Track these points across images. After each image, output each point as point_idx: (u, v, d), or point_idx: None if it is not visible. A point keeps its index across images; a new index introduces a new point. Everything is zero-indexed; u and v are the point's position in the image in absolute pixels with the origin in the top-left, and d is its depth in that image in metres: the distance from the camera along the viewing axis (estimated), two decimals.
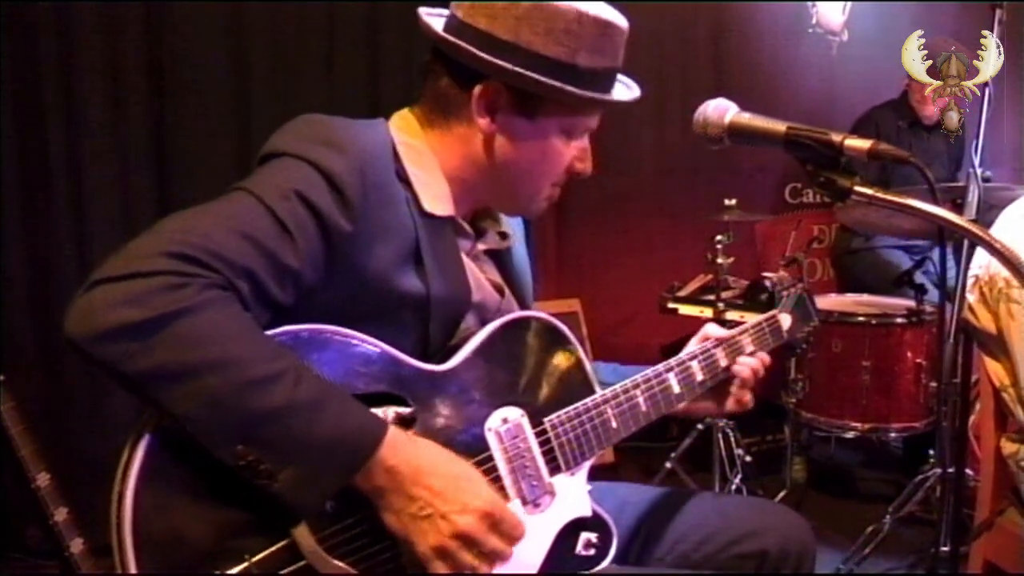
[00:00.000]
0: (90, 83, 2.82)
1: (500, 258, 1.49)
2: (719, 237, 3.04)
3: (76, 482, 2.17)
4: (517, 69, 1.24)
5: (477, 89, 1.28)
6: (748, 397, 1.56)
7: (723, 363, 1.55)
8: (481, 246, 1.44)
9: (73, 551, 2.08)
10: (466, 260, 1.37)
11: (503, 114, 1.30)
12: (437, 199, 1.31)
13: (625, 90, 1.40)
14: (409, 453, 1.12)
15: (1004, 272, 1.92)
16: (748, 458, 3.20)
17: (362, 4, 3.23)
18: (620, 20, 1.32)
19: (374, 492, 1.11)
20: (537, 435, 1.32)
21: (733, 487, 3.12)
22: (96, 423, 2.81)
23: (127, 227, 2.85)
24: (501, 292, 1.44)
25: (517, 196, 1.40)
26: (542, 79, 1.25)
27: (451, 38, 1.28)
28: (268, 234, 1.13)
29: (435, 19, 1.35)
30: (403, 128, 1.34)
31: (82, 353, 1.02)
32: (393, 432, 1.12)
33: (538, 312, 1.43)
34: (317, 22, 3.18)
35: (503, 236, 1.47)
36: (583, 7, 1.26)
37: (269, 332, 1.13)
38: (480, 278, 1.39)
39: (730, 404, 1.56)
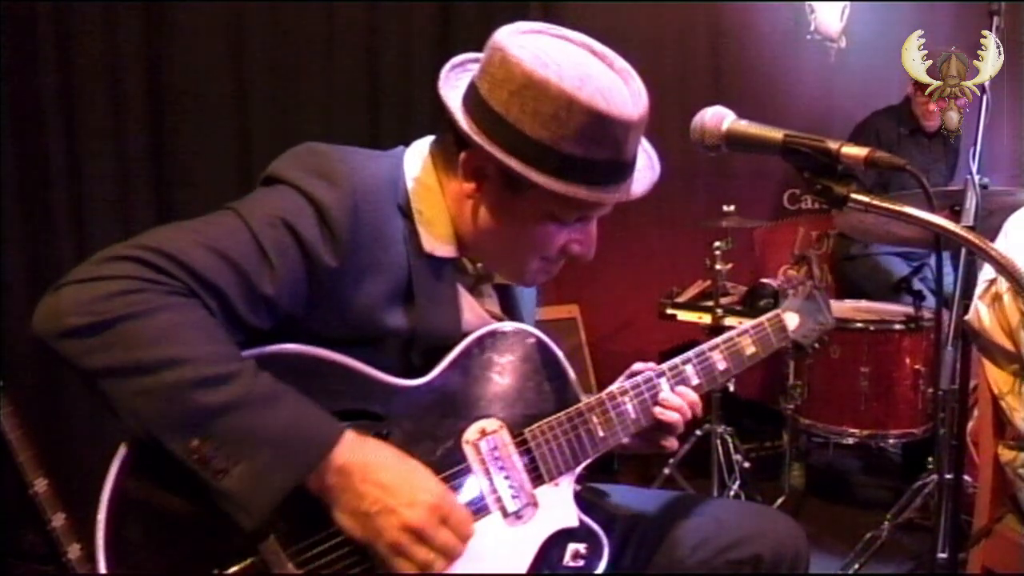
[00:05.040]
0: (90, 86, 2.83)
1: (505, 290, 1.47)
2: (718, 243, 3.04)
3: (74, 488, 2.17)
4: (489, 149, 1.21)
5: (463, 155, 1.27)
6: (673, 443, 1.47)
7: (721, 366, 1.52)
8: (486, 283, 1.42)
9: (71, 556, 2.08)
10: (465, 294, 1.36)
11: (489, 183, 1.27)
12: (439, 239, 1.30)
13: (645, 175, 1.32)
14: (360, 452, 1.12)
15: None
16: (746, 464, 3.20)
17: (361, 8, 3.24)
18: (624, 111, 1.21)
19: (325, 492, 1.11)
20: (517, 446, 1.31)
21: (731, 493, 3.11)
22: (94, 429, 2.80)
23: (126, 231, 2.83)
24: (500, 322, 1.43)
25: (501, 265, 1.39)
26: (512, 163, 1.20)
27: (445, 99, 1.27)
28: (246, 257, 1.13)
29: (473, 65, 1.32)
30: (419, 164, 1.33)
31: (47, 348, 1.05)
32: (349, 435, 1.12)
33: (517, 323, 1.41)
34: (316, 26, 3.18)
35: None
36: (581, 94, 1.18)
37: (245, 352, 1.13)
38: (479, 311, 1.38)
39: (653, 448, 1.48)
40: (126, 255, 1.08)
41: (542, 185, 1.21)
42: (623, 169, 1.28)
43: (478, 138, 1.22)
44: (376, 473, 1.12)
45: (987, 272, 2.03)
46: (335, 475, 1.10)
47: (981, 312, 2.00)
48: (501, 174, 1.24)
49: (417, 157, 1.34)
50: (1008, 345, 1.96)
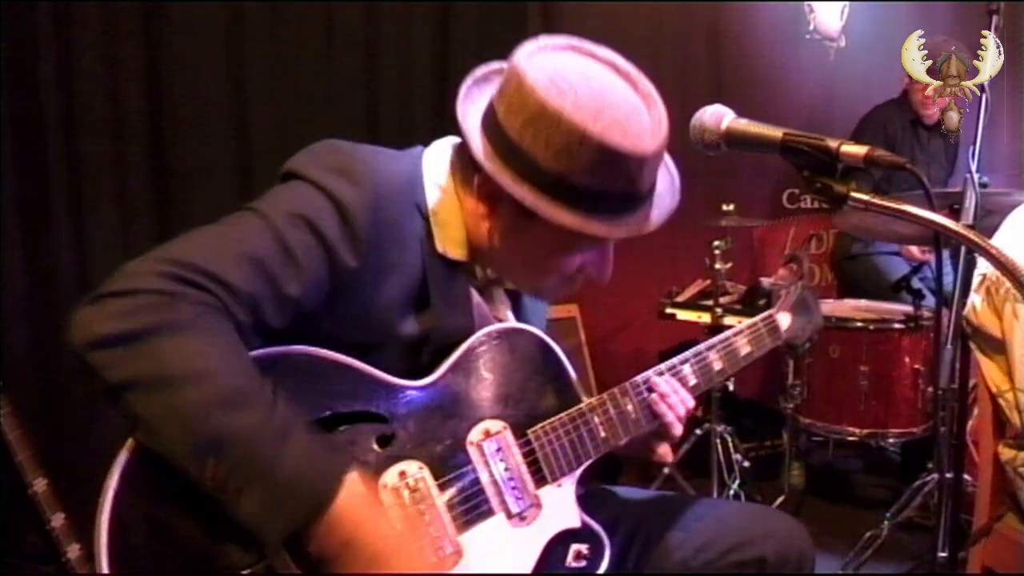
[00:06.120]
0: (89, 86, 2.82)
1: (516, 297, 1.47)
2: (717, 242, 3.04)
3: (73, 488, 2.16)
4: (500, 179, 1.20)
5: (477, 179, 1.27)
6: (666, 451, 1.45)
7: (717, 366, 1.54)
8: (497, 288, 1.43)
9: (70, 557, 2.07)
10: (476, 297, 1.37)
11: (504, 207, 1.27)
12: (452, 242, 1.30)
13: (664, 201, 1.32)
14: (363, 525, 1.10)
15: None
16: (746, 463, 3.20)
17: (361, 8, 3.23)
18: (638, 145, 1.20)
19: (328, 553, 1.09)
20: (521, 447, 1.31)
21: (731, 492, 3.11)
22: (94, 429, 2.80)
23: (126, 233, 2.85)
24: None
25: (518, 281, 1.40)
26: (523, 194, 1.20)
27: (462, 118, 1.26)
28: (273, 259, 1.14)
29: (496, 77, 1.31)
30: (437, 167, 1.32)
31: (80, 361, 1.06)
32: (351, 493, 1.09)
33: (518, 324, 1.42)
34: (316, 26, 3.18)
35: None
36: (594, 128, 1.17)
37: (252, 353, 1.13)
38: (487, 314, 1.39)
39: (648, 454, 1.48)
40: (157, 268, 1.08)
41: (552, 219, 1.20)
42: (637, 200, 1.27)
43: (491, 164, 1.22)
44: (381, 565, 1.09)
45: (981, 266, 2.03)
46: (340, 548, 1.08)
47: (976, 304, 2.00)
48: (515, 201, 1.23)
49: (439, 161, 1.33)
50: (998, 334, 1.96)
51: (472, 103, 1.29)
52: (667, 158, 1.33)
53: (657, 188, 1.31)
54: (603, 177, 1.20)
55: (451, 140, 1.36)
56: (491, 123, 1.24)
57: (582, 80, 1.21)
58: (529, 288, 1.42)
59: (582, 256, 1.31)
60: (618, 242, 1.34)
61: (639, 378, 1.45)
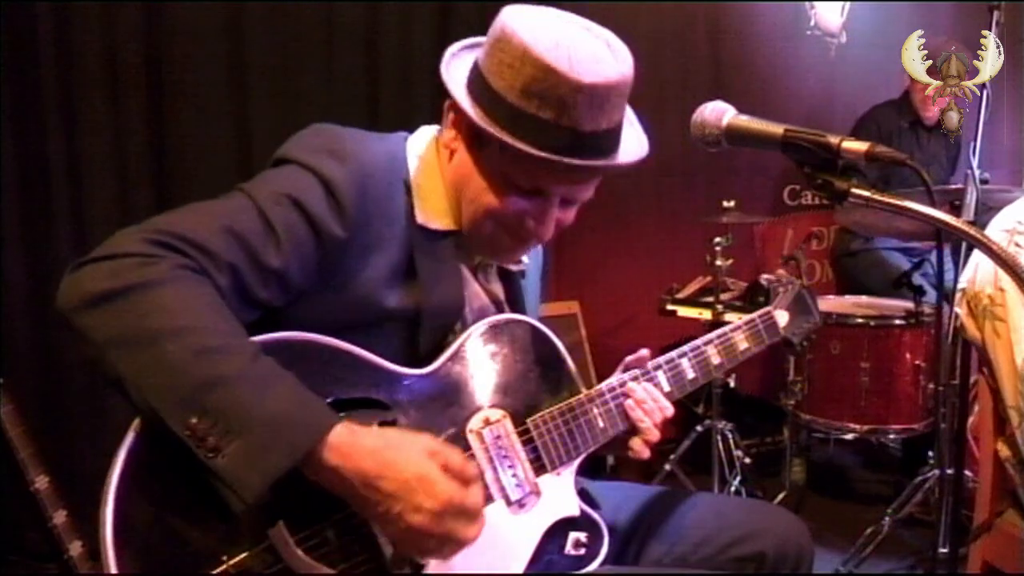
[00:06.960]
0: (89, 85, 2.82)
1: (510, 278, 1.49)
2: (718, 239, 3.04)
3: (75, 485, 2.17)
4: (450, 86, 1.27)
5: (448, 101, 1.32)
6: (643, 449, 1.42)
7: (715, 360, 1.55)
8: (490, 266, 1.44)
9: (72, 554, 2.08)
10: (467, 274, 1.38)
11: (463, 133, 1.32)
12: (435, 212, 1.33)
13: (631, 148, 1.33)
14: (356, 455, 1.08)
15: (988, 288, 1.93)
16: (747, 460, 3.20)
17: (361, 8, 3.23)
18: (577, 74, 1.21)
19: (328, 486, 1.09)
20: (520, 435, 1.33)
21: (732, 489, 3.12)
22: (95, 426, 2.81)
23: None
24: (500, 308, 1.45)
25: (470, 230, 1.35)
26: (465, 104, 1.26)
27: (444, 65, 1.32)
28: (253, 232, 1.17)
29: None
30: (420, 142, 1.38)
31: (68, 324, 1.08)
32: (341, 429, 1.08)
33: (518, 314, 1.43)
34: (316, 22, 3.18)
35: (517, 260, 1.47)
36: (537, 47, 1.21)
37: (252, 339, 1.13)
38: (478, 291, 1.40)
39: (623, 449, 1.45)
40: (139, 236, 1.12)
41: (480, 124, 1.24)
42: (579, 141, 1.24)
43: (456, 88, 1.28)
44: (376, 481, 1.08)
45: (961, 280, 2.04)
46: (330, 474, 1.07)
47: (962, 318, 2.01)
48: (468, 126, 1.29)
49: (422, 137, 1.39)
50: (981, 348, 1.96)
51: (459, 60, 1.36)
52: (635, 120, 1.37)
53: (622, 148, 1.32)
54: (534, 99, 1.22)
55: (436, 126, 1.40)
56: (473, 71, 1.30)
57: (552, 24, 1.27)
58: (480, 240, 1.36)
59: (525, 204, 1.30)
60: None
61: (639, 370, 1.46)
